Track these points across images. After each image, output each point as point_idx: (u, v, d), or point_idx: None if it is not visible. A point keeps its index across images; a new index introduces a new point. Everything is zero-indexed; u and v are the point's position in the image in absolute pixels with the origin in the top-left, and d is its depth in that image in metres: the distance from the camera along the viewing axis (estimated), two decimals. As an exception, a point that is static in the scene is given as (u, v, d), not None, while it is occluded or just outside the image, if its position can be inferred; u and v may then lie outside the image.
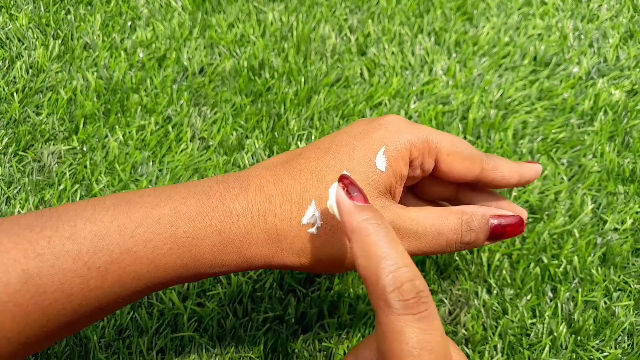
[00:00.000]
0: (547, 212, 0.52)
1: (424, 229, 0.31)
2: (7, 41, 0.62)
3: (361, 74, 0.60)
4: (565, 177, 0.54)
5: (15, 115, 0.56)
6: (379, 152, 0.32)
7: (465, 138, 0.56)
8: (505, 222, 0.34)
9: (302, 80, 0.58)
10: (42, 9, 0.65)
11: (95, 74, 0.59)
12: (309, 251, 0.30)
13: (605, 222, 0.51)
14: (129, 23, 0.64)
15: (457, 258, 0.49)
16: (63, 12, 0.64)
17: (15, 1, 0.66)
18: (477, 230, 0.33)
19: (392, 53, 0.62)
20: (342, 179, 0.28)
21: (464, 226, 0.32)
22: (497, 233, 0.34)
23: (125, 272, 0.27)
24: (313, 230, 0.30)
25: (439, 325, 0.24)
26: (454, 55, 0.62)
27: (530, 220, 0.51)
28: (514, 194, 0.52)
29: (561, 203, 0.52)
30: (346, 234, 0.26)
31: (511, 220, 0.34)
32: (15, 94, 0.57)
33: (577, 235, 0.50)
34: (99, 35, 0.62)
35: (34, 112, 0.56)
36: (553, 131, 0.57)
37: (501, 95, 0.59)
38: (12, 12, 0.65)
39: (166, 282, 0.29)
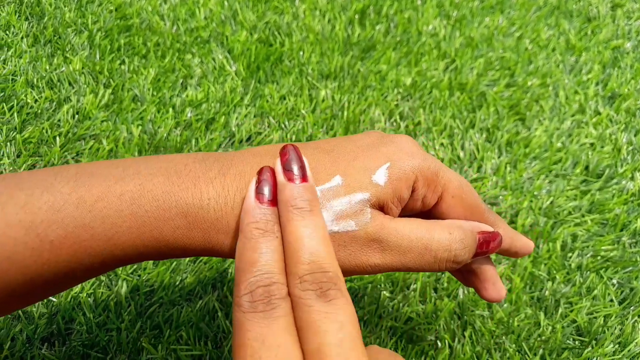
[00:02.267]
0: (595, 337, 0.48)
1: (409, 242, 0.29)
2: (58, 83, 0.62)
3: (409, 162, 0.59)
4: (615, 300, 0.51)
5: (54, 159, 0.55)
6: (382, 167, 0.29)
7: (512, 244, 0.53)
8: (489, 238, 0.32)
9: (349, 161, 0.57)
10: (98, 56, 0.65)
11: (140, 127, 0.58)
12: None
13: (658, 356, 0.48)
14: (181, 81, 0.64)
15: (497, 376, 0.45)
16: (118, 61, 0.64)
17: (72, 45, 0.66)
18: (470, 248, 0.30)
19: (442, 144, 0.60)
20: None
21: (456, 244, 0.30)
22: (481, 251, 0.31)
23: (81, 248, 0.25)
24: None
25: (286, 323, 0.23)
26: (504, 154, 0.61)
27: (577, 344, 0.48)
28: (560, 310, 0.49)
29: (611, 328, 0.49)
30: (239, 230, 0.26)
31: (492, 235, 0.32)
32: (57, 137, 0.56)
33: (626, 366, 0.47)
34: (149, 89, 0.62)
35: (73, 158, 0.55)
36: (604, 248, 0.54)
37: (551, 203, 0.57)
38: (68, 55, 0.65)
39: (125, 260, 0.27)
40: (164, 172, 0.27)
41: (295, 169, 0.26)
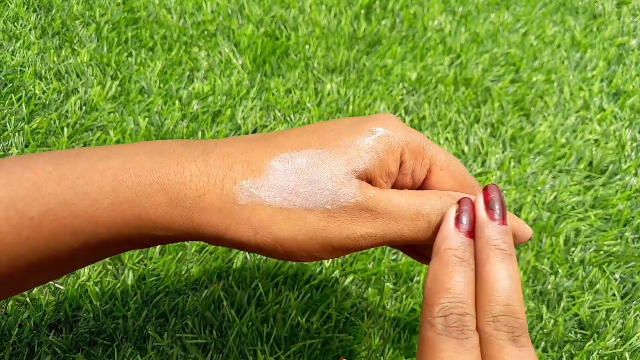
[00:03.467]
0: (597, 330, 0.48)
1: (400, 209, 0.28)
2: (66, 75, 0.62)
3: (413, 156, 0.59)
4: (617, 294, 0.51)
5: (62, 150, 0.55)
6: (368, 138, 0.28)
7: (515, 238, 0.54)
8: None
9: (354, 154, 0.57)
10: (105, 48, 0.65)
11: (147, 119, 0.59)
12: (269, 229, 0.27)
13: (659, 350, 0.48)
14: (188, 73, 0.64)
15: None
16: (125, 54, 0.65)
17: (80, 37, 0.67)
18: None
19: (446, 139, 0.61)
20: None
21: (449, 207, 0.29)
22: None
23: (62, 225, 0.25)
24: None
25: (477, 355, 0.24)
26: (508, 149, 0.61)
27: (579, 337, 0.48)
28: (562, 304, 0.50)
29: (613, 322, 0.49)
30: (433, 250, 0.26)
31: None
32: (65, 128, 0.57)
33: (628, 359, 0.47)
34: (155, 82, 0.62)
35: (80, 149, 0.56)
36: (607, 243, 0.54)
37: (554, 198, 0.57)
38: (75, 47, 0.65)
39: (108, 242, 0.27)
40: (147, 152, 0.27)
41: (498, 209, 0.27)
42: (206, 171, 0.27)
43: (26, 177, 0.25)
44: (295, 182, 0.27)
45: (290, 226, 0.27)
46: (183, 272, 0.48)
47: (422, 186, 0.32)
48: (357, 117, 0.31)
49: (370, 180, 0.29)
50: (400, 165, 0.30)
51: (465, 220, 0.26)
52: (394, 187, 0.31)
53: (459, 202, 0.27)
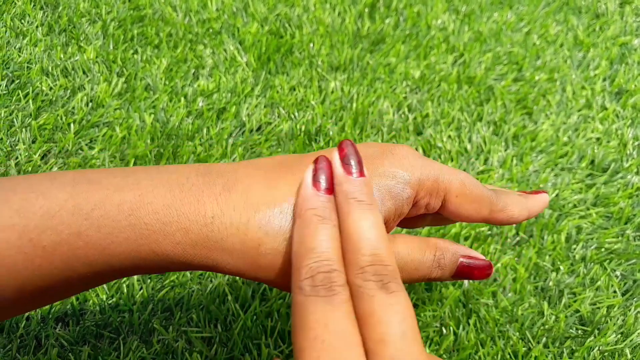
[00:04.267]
0: (598, 327, 0.49)
1: (404, 264, 0.29)
2: (72, 72, 0.63)
3: (416, 154, 0.60)
4: (618, 291, 0.51)
5: (69, 146, 0.56)
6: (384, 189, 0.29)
7: (517, 235, 0.54)
8: (474, 264, 0.32)
9: (357, 151, 0.58)
10: (112, 45, 0.66)
11: (153, 116, 0.59)
12: (290, 271, 0.27)
13: (659, 346, 0.48)
14: (193, 71, 0.65)
15: (500, 363, 0.46)
16: (131, 51, 0.65)
17: (86, 34, 0.67)
18: (445, 268, 0.31)
19: (449, 137, 0.61)
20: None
21: (434, 263, 0.30)
22: (463, 272, 0.32)
23: (75, 256, 0.25)
24: None
25: (347, 310, 0.24)
26: (511, 147, 0.61)
27: (580, 333, 0.49)
28: (563, 300, 0.50)
29: (613, 318, 0.49)
30: (295, 216, 0.26)
31: (480, 264, 0.32)
32: (72, 124, 0.57)
33: (628, 355, 0.47)
34: (161, 79, 0.63)
35: (87, 145, 0.56)
36: (608, 240, 0.55)
37: (556, 195, 0.57)
38: (82, 44, 0.66)
39: (121, 272, 0.26)
40: (165, 184, 0.26)
41: (354, 163, 0.27)
42: (228, 213, 0.26)
43: (39, 205, 0.25)
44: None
45: None
46: (188, 267, 0.48)
47: (441, 211, 0.32)
48: (375, 148, 0.31)
49: (385, 221, 0.29)
50: (415, 202, 0.30)
51: (322, 179, 0.26)
52: (407, 216, 0.31)
53: (315, 161, 0.27)
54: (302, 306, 0.24)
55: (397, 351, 0.22)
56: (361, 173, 0.27)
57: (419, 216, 0.35)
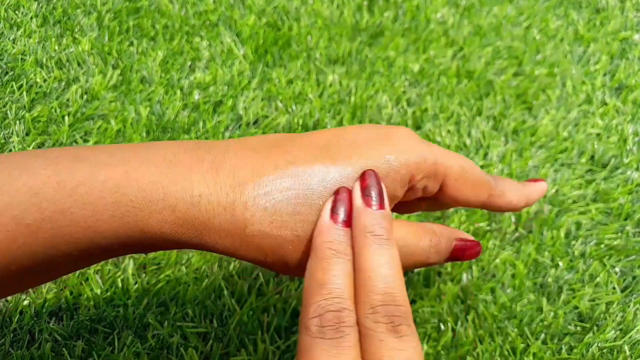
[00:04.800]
0: (597, 323, 0.49)
1: (399, 249, 0.28)
2: (67, 64, 0.62)
3: (415, 148, 0.59)
4: (617, 287, 0.51)
5: (63, 138, 0.55)
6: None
7: (516, 231, 0.54)
8: (466, 246, 0.32)
9: (355, 145, 0.57)
10: (107, 37, 0.65)
11: (148, 108, 0.58)
12: (279, 253, 0.27)
13: (659, 343, 0.48)
14: (189, 63, 0.64)
15: (498, 359, 0.45)
16: (127, 43, 0.64)
17: (81, 26, 0.66)
18: (442, 253, 0.31)
19: (448, 131, 0.61)
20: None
21: (431, 248, 0.30)
22: (456, 256, 0.32)
23: (59, 233, 0.24)
24: None
25: (353, 356, 0.23)
26: (510, 142, 0.61)
27: (578, 329, 0.48)
28: (562, 296, 0.50)
29: (612, 315, 0.49)
30: (311, 248, 0.26)
31: (470, 245, 0.32)
32: (66, 117, 0.56)
33: (627, 352, 0.47)
34: (157, 71, 0.62)
35: (81, 138, 0.56)
36: (607, 236, 0.54)
37: (556, 191, 0.57)
38: (76, 36, 0.65)
39: (108, 251, 0.26)
40: (152, 161, 0.26)
41: (375, 195, 0.26)
42: (216, 191, 0.26)
43: (23, 182, 0.24)
44: (304, 206, 0.26)
45: (299, 253, 0.27)
46: (184, 261, 0.48)
47: (439, 194, 0.32)
48: (371, 130, 0.30)
49: None
50: (410, 187, 0.30)
51: (341, 210, 0.26)
52: (402, 200, 0.31)
53: (335, 192, 0.26)
54: (308, 348, 0.23)
55: None
56: (381, 206, 0.26)
57: (415, 201, 0.35)
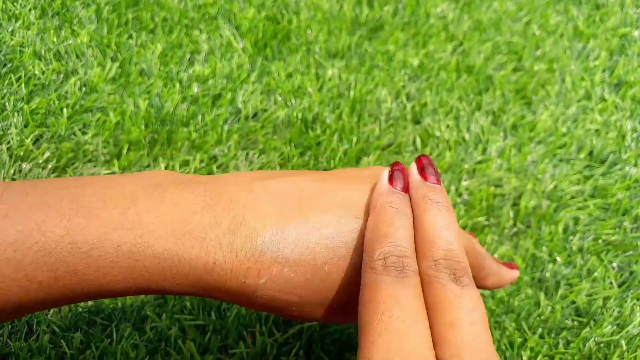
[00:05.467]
0: (594, 318, 0.49)
1: None
2: (65, 56, 0.62)
3: (414, 143, 0.59)
4: (615, 283, 0.51)
5: (61, 130, 0.55)
6: None
7: (515, 226, 0.54)
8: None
9: (354, 139, 0.57)
10: (105, 30, 0.65)
11: (147, 101, 0.58)
12: (285, 312, 0.28)
13: (655, 338, 0.48)
14: (188, 56, 0.64)
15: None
16: (126, 35, 0.64)
17: (80, 18, 0.66)
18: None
19: (448, 126, 0.61)
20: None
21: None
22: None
23: (70, 290, 0.25)
24: None
25: (418, 291, 0.24)
26: (509, 137, 0.61)
27: (575, 324, 0.48)
28: (559, 292, 0.50)
29: (609, 310, 0.49)
30: (370, 209, 0.26)
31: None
32: (65, 109, 0.56)
33: (624, 347, 0.47)
34: (156, 64, 0.62)
35: (80, 130, 0.56)
36: (605, 232, 0.54)
37: (554, 186, 0.57)
38: (75, 28, 0.65)
39: (117, 296, 0.27)
40: (168, 223, 0.25)
41: (432, 172, 0.27)
42: (230, 259, 0.25)
43: (35, 240, 0.24)
44: (312, 276, 0.27)
45: (302, 313, 0.28)
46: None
47: None
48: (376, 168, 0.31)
49: None
50: None
51: (399, 179, 0.27)
52: None
53: (391, 165, 0.28)
54: (374, 282, 0.24)
55: (467, 335, 0.22)
56: (438, 182, 0.27)
57: None
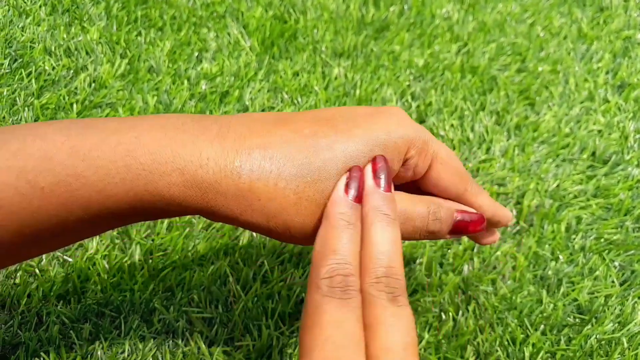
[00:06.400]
0: (596, 315, 0.49)
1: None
2: (75, 52, 0.63)
3: (418, 142, 0.60)
4: (616, 281, 0.52)
5: (71, 125, 0.55)
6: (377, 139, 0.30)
7: (518, 224, 0.54)
8: (469, 218, 0.34)
9: (360, 138, 0.58)
10: (115, 27, 0.66)
11: (156, 98, 0.59)
12: (281, 217, 0.28)
13: (656, 336, 0.49)
14: (196, 54, 0.64)
15: (498, 349, 0.46)
16: (135, 33, 0.65)
17: (89, 15, 0.67)
18: (442, 222, 0.33)
19: (452, 126, 0.61)
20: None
21: (431, 215, 0.32)
22: (459, 227, 0.34)
23: (73, 197, 0.25)
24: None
25: (359, 315, 0.25)
26: (513, 137, 0.61)
27: (577, 321, 0.49)
28: (562, 290, 0.50)
29: (611, 308, 0.50)
30: (323, 217, 0.28)
31: (474, 218, 0.34)
32: (74, 104, 0.57)
33: (625, 344, 0.48)
34: (164, 61, 0.63)
35: (89, 125, 0.56)
36: (607, 231, 0.55)
37: (557, 186, 0.58)
38: (85, 25, 0.66)
39: (118, 214, 0.27)
40: (161, 127, 0.27)
41: (384, 178, 0.28)
42: (223, 156, 0.27)
43: (37, 147, 0.25)
44: (308, 170, 0.28)
45: (302, 217, 0.28)
46: (190, 248, 0.49)
47: (423, 179, 0.34)
48: (370, 108, 0.32)
49: None
50: (405, 161, 0.32)
51: (353, 187, 0.28)
52: (395, 179, 0.33)
53: (349, 170, 0.28)
54: (318, 305, 0.25)
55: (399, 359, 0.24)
56: (389, 188, 0.29)
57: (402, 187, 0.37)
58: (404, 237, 0.32)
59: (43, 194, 0.25)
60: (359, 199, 0.28)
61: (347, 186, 0.28)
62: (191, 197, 0.27)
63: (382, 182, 0.28)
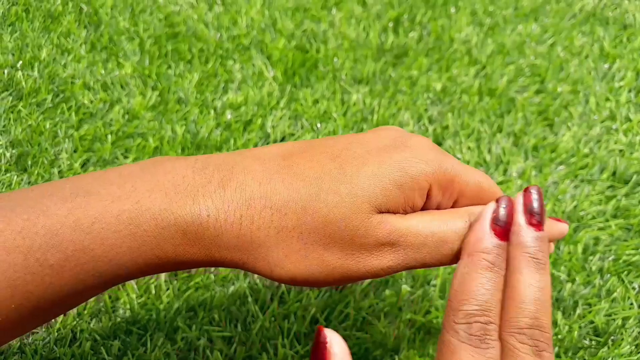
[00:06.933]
0: (612, 337, 0.49)
1: (424, 238, 0.27)
2: (111, 86, 0.67)
3: (435, 165, 0.61)
4: (635, 303, 0.51)
5: (106, 155, 0.60)
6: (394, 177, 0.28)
7: (533, 245, 0.55)
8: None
9: (376, 162, 0.60)
10: (147, 61, 0.70)
11: (184, 127, 0.63)
12: (286, 267, 0.27)
13: (676, 359, 0.48)
14: (222, 85, 0.68)
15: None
16: (165, 66, 0.69)
17: (125, 51, 0.72)
18: None
19: (469, 148, 0.62)
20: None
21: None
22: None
23: (83, 270, 0.25)
24: None
25: None
26: (530, 159, 0.62)
27: (593, 343, 0.49)
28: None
29: (629, 330, 0.50)
30: (462, 249, 0.26)
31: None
32: (109, 135, 0.61)
33: (643, 368, 0.47)
34: (192, 92, 0.67)
35: (122, 154, 0.60)
36: (627, 252, 0.55)
37: (575, 207, 0.58)
38: (120, 60, 0.71)
39: (129, 277, 0.27)
40: (161, 188, 0.27)
41: (537, 214, 0.26)
42: (223, 209, 0.26)
43: (41, 225, 0.25)
44: (312, 217, 0.26)
45: (307, 266, 0.27)
46: (212, 270, 0.51)
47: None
48: (387, 137, 0.30)
49: (392, 212, 0.28)
50: (427, 199, 0.29)
51: (502, 222, 0.26)
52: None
53: (497, 200, 0.26)
54: (454, 349, 0.24)
55: None
56: (541, 226, 0.26)
57: None
58: (444, 263, 0.28)
59: (53, 271, 0.25)
60: (507, 237, 0.26)
61: (494, 220, 0.26)
62: (195, 253, 0.27)
63: (536, 218, 0.26)
